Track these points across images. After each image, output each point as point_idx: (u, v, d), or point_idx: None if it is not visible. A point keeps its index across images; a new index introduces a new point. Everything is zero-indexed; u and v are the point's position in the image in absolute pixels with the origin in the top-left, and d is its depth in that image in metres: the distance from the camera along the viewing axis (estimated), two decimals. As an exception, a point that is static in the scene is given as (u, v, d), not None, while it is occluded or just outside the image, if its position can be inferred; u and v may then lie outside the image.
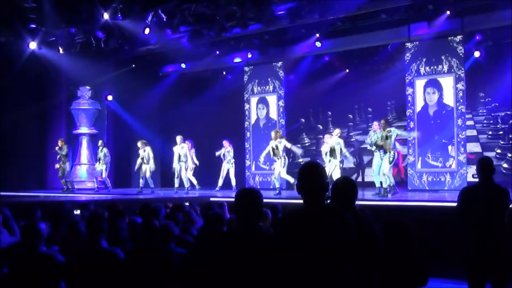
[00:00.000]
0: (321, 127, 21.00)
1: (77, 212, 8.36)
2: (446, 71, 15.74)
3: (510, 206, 6.50)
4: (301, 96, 20.88)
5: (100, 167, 18.22)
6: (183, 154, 17.00)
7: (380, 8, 15.09)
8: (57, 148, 18.05)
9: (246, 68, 20.32)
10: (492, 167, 6.50)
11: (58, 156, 18.06)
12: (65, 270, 5.20)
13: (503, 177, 16.10)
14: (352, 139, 21.24)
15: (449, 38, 15.66)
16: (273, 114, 19.78)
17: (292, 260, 3.41)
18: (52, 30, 16.72)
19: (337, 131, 15.24)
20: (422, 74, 16.21)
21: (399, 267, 4.60)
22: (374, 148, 13.63)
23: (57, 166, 18.08)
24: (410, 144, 16.41)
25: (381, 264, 4.40)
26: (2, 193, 16.07)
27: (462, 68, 15.46)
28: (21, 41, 17.04)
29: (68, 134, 20.24)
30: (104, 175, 18.28)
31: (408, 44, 16.46)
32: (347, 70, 20.41)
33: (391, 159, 13.36)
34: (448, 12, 14.85)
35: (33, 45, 17.11)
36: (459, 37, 15.48)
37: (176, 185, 17.19)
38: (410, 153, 16.37)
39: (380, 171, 13.50)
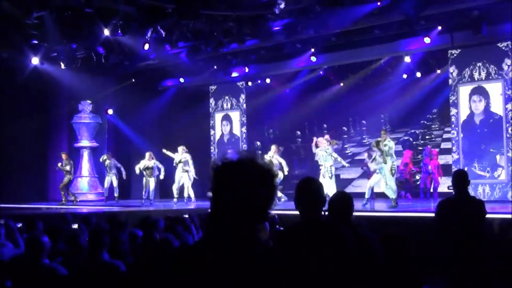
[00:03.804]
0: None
1: (75, 226, 8.35)
2: (492, 78, 14.95)
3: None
4: (297, 109, 20.93)
5: (109, 178, 18.42)
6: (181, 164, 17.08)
7: (373, 23, 15.15)
8: (59, 165, 18.29)
9: (212, 87, 20.57)
10: (468, 179, 6.62)
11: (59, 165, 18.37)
12: (67, 283, 5.17)
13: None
14: (347, 151, 21.28)
15: (498, 44, 14.85)
16: (236, 130, 20.11)
17: (291, 273, 3.40)
18: (54, 46, 16.72)
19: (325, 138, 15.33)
20: (469, 80, 15.38)
21: (395, 279, 4.60)
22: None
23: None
24: (454, 153, 15.71)
25: (378, 277, 4.40)
26: (4, 205, 16.04)
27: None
28: (23, 56, 17.05)
29: (70, 147, 20.22)
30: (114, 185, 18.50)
31: (451, 52, 15.71)
32: (342, 84, 20.46)
33: (393, 170, 13.53)
34: (439, 28, 14.91)
35: (35, 61, 17.11)
36: (507, 44, 14.69)
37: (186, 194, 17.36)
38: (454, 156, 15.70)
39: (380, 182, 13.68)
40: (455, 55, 15.54)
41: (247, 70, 19.06)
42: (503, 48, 14.73)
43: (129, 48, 16.63)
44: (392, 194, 13.72)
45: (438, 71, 18.42)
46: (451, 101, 15.75)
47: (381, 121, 20.77)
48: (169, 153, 17.61)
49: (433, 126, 20.36)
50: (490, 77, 14.95)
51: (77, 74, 18.41)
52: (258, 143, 21.14)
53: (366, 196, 14.07)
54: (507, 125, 14.62)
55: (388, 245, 4.67)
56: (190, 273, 2.28)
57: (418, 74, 18.87)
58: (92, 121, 20.34)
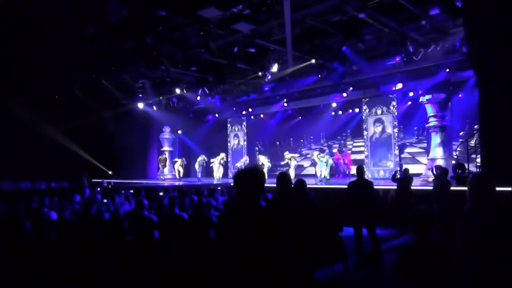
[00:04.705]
0: (286, 148, 20.95)
1: (161, 193, 8.31)
2: (385, 113, 14.83)
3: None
4: (277, 131, 20.86)
5: (178, 168, 18.53)
6: (221, 161, 17.08)
7: (316, 86, 15.15)
8: (161, 158, 19.03)
9: (229, 119, 20.27)
10: (364, 170, 6.55)
11: (159, 160, 19.06)
12: (157, 225, 5.14)
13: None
14: (303, 152, 21.17)
15: (388, 95, 14.75)
16: (242, 143, 19.90)
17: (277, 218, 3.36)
18: (150, 97, 16.75)
19: (287, 153, 15.30)
20: (374, 115, 15.12)
21: (328, 222, 4.56)
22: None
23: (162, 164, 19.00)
24: (366, 153, 15.40)
25: (319, 221, 4.36)
26: (124, 181, 15.99)
27: (396, 112, 14.69)
28: (135, 103, 17.06)
29: (159, 150, 20.22)
30: (180, 172, 18.57)
31: (364, 99, 15.42)
32: (300, 117, 20.40)
33: (326, 165, 13.51)
34: (351, 88, 14.87)
35: (140, 105, 17.11)
36: (392, 95, 14.68)
37: (216, 177, 17.05)
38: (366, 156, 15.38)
39: (323, 170, 13.64)
40: (366, 100, 15.46)
41: (250, 110, 19.04)
42: (391, 96, 14.75)
43: (189, 99, 16.62)
44: (323, 175, 13.69)
45: (350, 111, 18.39)
46: (364, 127, 15.55)
47: (321, 136, 20.67)
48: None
49: (348, 139, 20.26)
50: (384, 113, 14.94)
51: (162, 112, 18.37)
52: (257, 148, 21.08)
53: (319, 176, 14.02)
54: (394, 140, 14.71)
55: (327, 205, 4.64)
56: (229, 218, 2.52)
57: (340, 112, 18.82)
58: (170, 137, 20.22)
